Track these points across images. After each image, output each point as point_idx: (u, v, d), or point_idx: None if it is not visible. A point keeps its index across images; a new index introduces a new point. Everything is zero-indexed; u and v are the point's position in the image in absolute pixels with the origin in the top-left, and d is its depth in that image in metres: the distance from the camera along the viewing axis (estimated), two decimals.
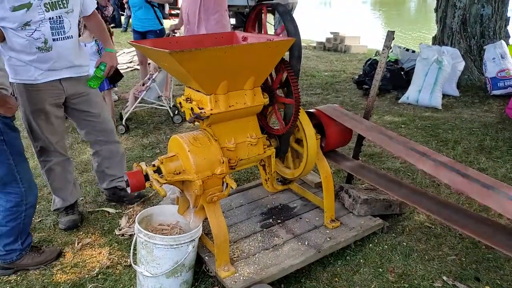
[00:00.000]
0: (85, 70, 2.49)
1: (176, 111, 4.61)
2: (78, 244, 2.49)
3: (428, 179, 3.10)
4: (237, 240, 2.27)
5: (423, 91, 4.62)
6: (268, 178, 2.36)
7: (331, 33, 9.17)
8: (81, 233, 2.64)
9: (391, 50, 5.98)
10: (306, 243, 2.23)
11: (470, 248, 2.33)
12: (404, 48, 5.71)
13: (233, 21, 10.31)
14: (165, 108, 4.67)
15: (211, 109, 1.87)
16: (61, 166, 2.59)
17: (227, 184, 2.00)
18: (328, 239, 2.27)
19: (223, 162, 1.93)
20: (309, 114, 2.35)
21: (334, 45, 9.04)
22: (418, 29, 14.84)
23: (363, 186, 2.69)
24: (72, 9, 2.25)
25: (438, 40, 5.44)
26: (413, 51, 5.60)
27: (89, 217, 2.82)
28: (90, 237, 2.59)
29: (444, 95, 4.80)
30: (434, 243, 2.39)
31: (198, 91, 1.92)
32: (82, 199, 3.03)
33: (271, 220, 2.46)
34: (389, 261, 2.25)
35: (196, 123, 1.99)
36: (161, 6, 4.84)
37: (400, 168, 3.31)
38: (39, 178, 3.31)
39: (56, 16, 2.18)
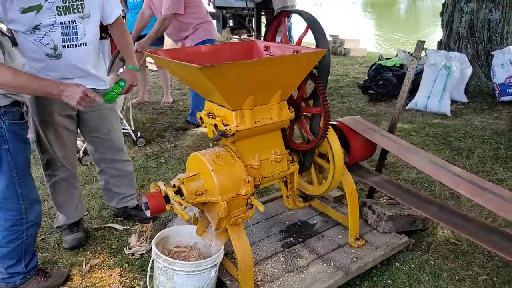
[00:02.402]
0: (103, 84, 2.32)
1: (139, 134, 4.09)
2: (86, 266, 2.33)
3: (446, 190, 3.01)
4: (259, 261, 2.14)
5: (432, 97, 4.54)
6: (290, 195, 2.24)
7: (331, 35, 9.08)
8: (88, 252, 2.48)
9: (396, 55, 5.91)
10: (332, 264, 2.11)
11: (501, 267, 2.24)
12: (408, 52, 5.62)
13: (230, 23, 10.18)
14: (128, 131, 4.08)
15: (237, 126, 1.74)
16: (67, 182, 2.44)
17: (251, 204, 1.87)
18: (355, 259, 2.15)
19: (248, 182, 1.80)
20: (332, 127, 2.23)
21: (334, 48, 8.96)
22: (412, 32, 14.85)
23: (384, 200, 2.59)
24: (88, 14, 2.08)
25: (444, 45, 5.38)
26: None
27: (95, 234, 2.67)
28: (98, 257, 2.44)
29: (452, 102, 4.73)
30: (462, 261, 2.28)
31: (222, 106, 1.79)
32: (86, 214, 2.87)
33: (292, 239, 2.33)
34: (418, 281, 2.14)
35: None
36: None
37: (416, 179, 3.21)
38: (42, 189, 3.14)
39: (69, 21, 2.02)
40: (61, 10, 1.99)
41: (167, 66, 1.78)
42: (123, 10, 4.30)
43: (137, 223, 2.80)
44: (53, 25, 1.99)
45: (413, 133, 4.12)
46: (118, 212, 2.81)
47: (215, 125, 1.78)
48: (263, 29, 9.62)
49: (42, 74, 2.08)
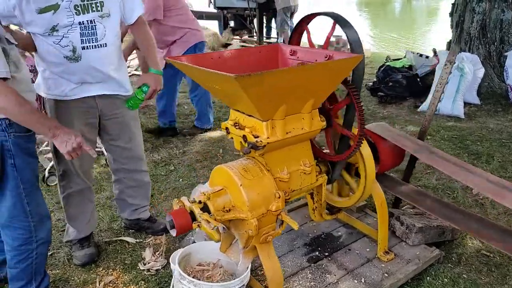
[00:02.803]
0: (126, 90, 2.20)
1: (49, 169, 3.31)
2: (99, 284, 2.21)
3: (470, 198, 2.90)
4: (285, 278, 2.02)
5: (445, 99, 4.44)
6: (316, 208, 2.12)
7: (334, 36, 8.98)
8: (101, 269, 2.35)
9: (404, 56, 5.81)
10: (363, 281, 2.00)
11: None
12: (417, 53, 5.54)
13: (231, 23, 10.06)
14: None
15: (268, 137, 1.62)
16: (82, 195, 2.33)
17: (282, 221, 1.75)
18: (386, 275, 2.04)
19: (279, 197, 1.68)
20: None
21: (337, 49, 8.84)
22: (407, 31, 14.77)
23: (411, 210, 2.48)
24: (108, 13, 1.97)
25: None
26: (427, 57, 5.43)
27: (106, 249, 2.54)
28: (112, 273, 2.31)
29: (465, 104, 4.63)
30: (497, 275, 2.18)
31: (251, 115, 1.66)
32: (96, 227, 2.74)
33: (317, 253, 2.22)
34: None
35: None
36: None
37: (437, 186, 3.10)
38: (47, 199, 3.01)
39: (88, 21, 1.91)
40: (79, 9, 1.89)
41: (191, 72, 1.65)
42: None
43: (150, 235, 2.67)
44: (71, 25, 1.90)
45: (428, 137, 4.01)
46: (129, 224, 2.68)
47: (244, 137, 1.66)
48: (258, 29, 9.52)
49: (62, 78, 2.01)
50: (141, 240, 2.64)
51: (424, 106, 4.69)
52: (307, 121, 1.72)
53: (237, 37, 9.78)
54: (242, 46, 8.98)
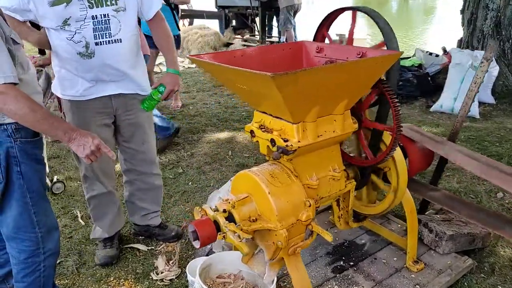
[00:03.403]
0: (143, 89, 2.10)
1: (56, 178, 3.20)
2: None
3: (495, 202, 2.78)
4: None
5: (459, 99, 4.31)
6: (342, 215, 1.99)
7: (337, 35, 8.85)
8: (112, 278, 2.22)
9: (413, 55, 5.69)
10: None
11: None
12: (427, 52, 5.42)
13: (233, 22, 9.93)
14: None
15: (299, 141, 1.50)
16: (105, 197, 2.29)
17: (311, 231, 1.62)
18: (418, 286, 1.92)
19: (309, 205, 1.56)
20: None
21: None
22: (404, 30, 14.64)
23: (437, 216, 2.36)
24: (124, 7, 1.87)
25: (466, 44, 5.17)
26: (437, 55, 5.32)
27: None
28: (123, 283, 2.18)
29: (480, 103, 4.52)
30: None
31: (279, 117, 1.54)
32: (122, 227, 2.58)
33: (342, 263, 2.09)
34: None
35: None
36: (177, 8, 4.38)
37: (459, 189, 2.98)
38: (52, 204, 2.86)
39: (102, 15, 1.82)
40: (92, 2, 1.81)
41: (215, 71, 1.52)
42: None
43: (161, 242, 2.55)
44: (84, 19, 1.81)
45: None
46: (139, 230, 2.56)
47: (272, 141, 1.53)
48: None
49: (77, 77, 1.93)
50: (153, 247, 2.51)
51: (437, 105, 4.57)
52: (339, 123, 1.59)
53: (239, 36, 9.65)
54: (244, 45, 8.86)
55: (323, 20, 1.87)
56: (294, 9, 8.11)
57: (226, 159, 3.66)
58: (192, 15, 11.84)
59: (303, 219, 1.55)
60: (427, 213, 2.48)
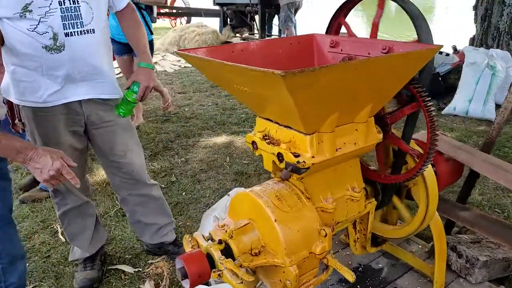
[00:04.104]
0: (117, 92, 1.83)
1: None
2: None
3: None
4: None
5: (474, 101, 4.04)
6: (358, 238, 1.70)
7: (341, 34, 8.57)
8: None
9: None
10: None
11: None
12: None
13: (230, 20, 9.63)
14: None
15: (313, 157, 1.20)
16: (79, 210, 2.01)
17: (326, 265, 1.33)
18: None
19: (325, 235, 1.26)
20: None
21: None
22: (402, 30, 14.33)
23: (466, 236, 2.06)
24: None
25: (479, 42, 4.88)
26: (447, 54, 5.03)
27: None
28: None
29: (497, 105, 4.23)
30: None
31: (288, 126, 1.24)
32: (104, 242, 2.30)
33: None
34: None
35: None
36: (149, 9, 3.81)
37: (482, 202, 2.69)
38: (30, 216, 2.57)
39: (70, 1, 1.54)
40: None
41: (209, 68, 1.23)
42: None
43: (150, 263, 2.25)
44: (49, 5, 1.51)
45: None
46: (153, 249, 2.29)
47: (279, 155, 1.23)
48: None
49: (40, 76, 1.61)
50: (140, 269, 2.22)
51: (449, 108, 4.28)
52: (361, 133, 1.30)
53: (238, 34, 9.36)
54: None
55: (339, 8, 1.57)
56: (295, 6, 7.82)
57: (223, 166, 3.36)
58: (190, 13, 11.54)
59: (317, 252, 1.25)
60: (465, 237, 2.19)
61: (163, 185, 3.08)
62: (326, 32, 1.64)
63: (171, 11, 12.36)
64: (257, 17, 8.81)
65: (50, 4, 1.51)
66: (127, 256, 2.34)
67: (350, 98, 1.16)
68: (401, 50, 1.29)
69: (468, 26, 5.27)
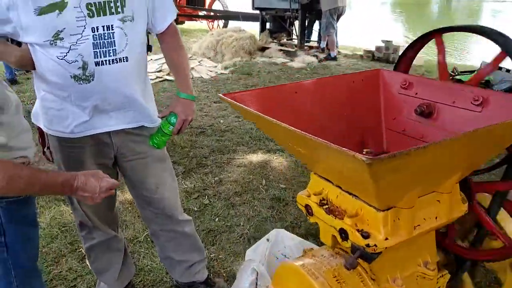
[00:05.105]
0: (151, 120, 1.66)
1: None
2: None
3: None
4: None
5: None
6: None
7: (383, 41, 8.16)
8: None
9: (479, 68, 4.97)
10: None
11: None
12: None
13: (268, 25, 9.42)
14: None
15: (387, 238, 0.96)
16: (105, 246, 1.88)
17: None
18: None
19: None
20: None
21: (385, 55, 8.02)
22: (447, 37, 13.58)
23: None
24: (131, 16, 1.43)
25: None
26: (508, 70, 4.58)
27: None
28: None
29: None
30: None
31: (354, 195, 1.01)
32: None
33: None
34: None
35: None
36: None
37: None
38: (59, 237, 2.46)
39: (104, 26, 1.39)
40: (93, 9, 1.36)
41: (260, 122, 1.01)
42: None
43: None
44: (81, 32, 1.37)
45: None
46: (183, 287, 2.11)
47: (343, 232, 1.00)
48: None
49: (68, 105, 1.49)
50: None
51: None
52: (444, 206, 1.04)
53: (275, 40, 9.14)
54: (281, 50, 8.35)
55: (412, 43, 1.32)
56: (337, 13, 7.49)
57: (259, 190, 3.15)
58: (227, 16, 11.45)
59: None
60: None
61: (195, 208, 2.91)
62: (395, 68, 1.39)
63: (209, 13, 12.34)
64: (296, 23, 8.55)
65: (83, 31, 1.36)
66: None
67: (438, 171, 0.91)
68: (501, 104, 1.03)
69: None
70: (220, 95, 1.08)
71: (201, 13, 12.45)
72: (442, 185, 1.01)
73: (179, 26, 10.63)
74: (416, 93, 1.24)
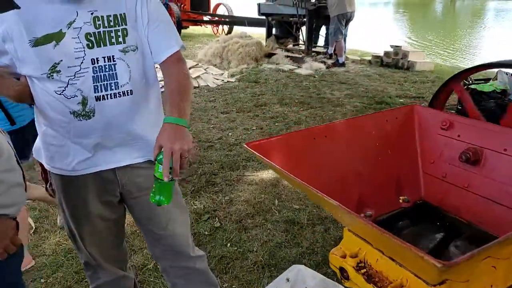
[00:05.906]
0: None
1: None
2: None
3: None
4: None
5: None
6: None
7: (392, 46, 8.01)
8: None
9: (494, 77, 4.82)
10: None
11: None
12: (511, 75, 4.54)
13: (274, 31, 9.31)
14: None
15: None
16: (113, 286, 1.76)
17: None
18: None
19: None
20: None
21: (394, 60, 7.88)
22: (450, 37, 13.38)
23: None
24: (134, 45, 1.33)
25: None
26: None
27: None
28: None
29: None
30: None
31: (397, 262, 0.88)
32: None
33: None
34: None
35: None
36: None
37: None
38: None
39: (104, 58, 1.28)
40: (92, 39, 1.26)
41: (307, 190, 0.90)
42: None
43: None
44: (80, 64, 1.26)
45: None
46: None
47: None
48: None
49: (69, 141, 1.38)
50: None
51: None
52: (501, 273, 0.92)
53: (282, 46, 9.03)
54: (287, 56, 8.23)
55: (451, 78, 1.20)
56: (346, 18, 7.37)
57: (271, 211, 3.03)
58: (233, 21, 11.37)
59: None
60: None
61: (206, 232, 2.79)
62: (431, 103, 1.27)
63: (213, 18, 12.26)
64: (303, 28, 8.43)
65: (81, 63, 1.25)
66: None
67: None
68: None
69: None
70: (245, 145, 0.95)
71: (206, 18, 12.37)
72: (500, 251, 0.89)
73: (183, 31, 10.53)
74: (459, 135, 1.11)
